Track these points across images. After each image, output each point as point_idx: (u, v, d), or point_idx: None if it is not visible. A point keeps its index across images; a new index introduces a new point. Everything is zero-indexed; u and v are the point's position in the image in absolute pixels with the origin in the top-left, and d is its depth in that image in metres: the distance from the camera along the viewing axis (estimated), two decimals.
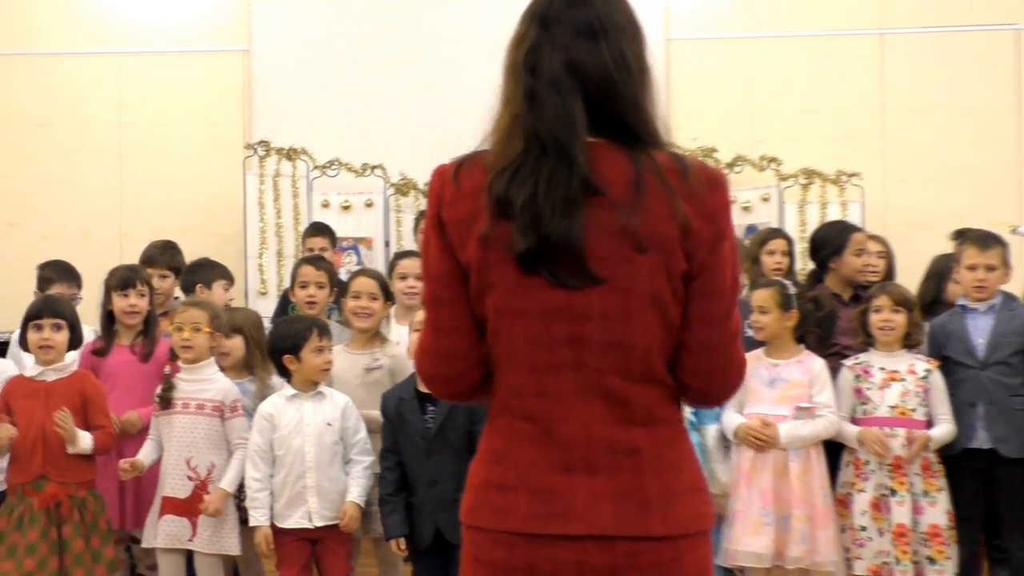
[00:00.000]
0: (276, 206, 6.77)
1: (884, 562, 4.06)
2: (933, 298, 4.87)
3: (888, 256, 5.24)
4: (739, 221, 6.44)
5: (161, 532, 3.99)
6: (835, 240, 4.90)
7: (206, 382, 4.07)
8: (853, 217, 6.41)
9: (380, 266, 6.39)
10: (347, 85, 7.05)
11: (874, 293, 4.33)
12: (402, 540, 3.85)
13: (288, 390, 4.00)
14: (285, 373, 4.01)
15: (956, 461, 4.20)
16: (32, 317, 4.05)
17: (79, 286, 5.02)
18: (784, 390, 4.12)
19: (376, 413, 3.99)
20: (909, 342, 4.26)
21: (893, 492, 4.10)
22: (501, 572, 1.75)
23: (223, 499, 3.96)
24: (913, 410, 4.16)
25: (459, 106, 6.62)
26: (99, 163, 7.15)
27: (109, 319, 4.43)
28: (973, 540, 4.31)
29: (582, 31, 1.75)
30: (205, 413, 4.03)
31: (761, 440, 4.04)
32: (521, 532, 1.74)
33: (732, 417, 4.15)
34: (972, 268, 4.31)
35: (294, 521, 3.90)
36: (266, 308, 5.98)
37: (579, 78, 1.73)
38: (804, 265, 6.08)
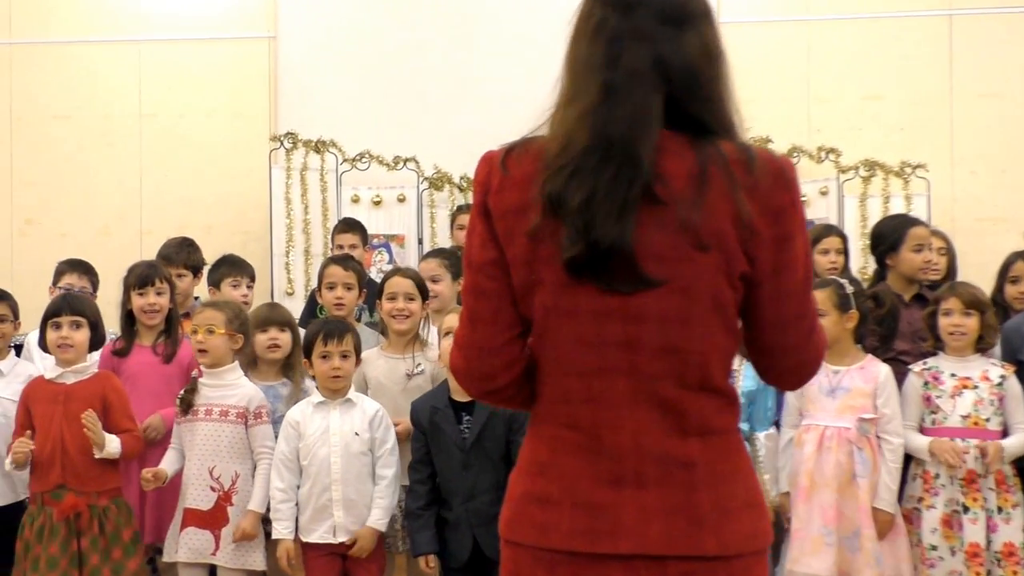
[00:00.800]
0: (303, 201, 6.79)
1: None
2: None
3: (950, 253, 5.16)
4: None
5: (183, 545, 4.00)
6: (891, 235, 4.82)
7: (229, 387, 4.08)
8: (919, 212, 6.33)
9: (413, 264, 6.38)
10: (379, 73, 7.06)
11: (943, 295, 4.24)
12: (432, 557, 3.84)
13: (316, 396, 4.01)
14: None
15: None
16: (51, 315, 4.09)
17: (94, 281, 5.07)
18: (846, 400, 4.05)
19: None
20: (982, 345, 4.19)
21: (966, 509, 4.03)
22: None
23: (255, 523, 3.96)
24: (987, 419, 4.09)
25: (499, 94, 6.63)
26: (118, 157, 7.20)
27: (129, 319, 4.46)
28: None
29: (668, 17, 1.72)
30: (229, 420, 4.03)
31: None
32: (564, 550, 1.72)
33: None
34: None
35: (319, 535, 3.90)
36: (294, 309, 5.99)
37: (664, 73, 1.70)
38: (866, 263, 6.02)
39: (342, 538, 3.89)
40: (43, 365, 4.33)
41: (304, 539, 3.92)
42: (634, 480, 1.70)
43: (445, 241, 6.51)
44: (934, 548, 4.04)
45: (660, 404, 1.71)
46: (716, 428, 1.74)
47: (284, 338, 4.29)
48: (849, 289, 4.12)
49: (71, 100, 7.24)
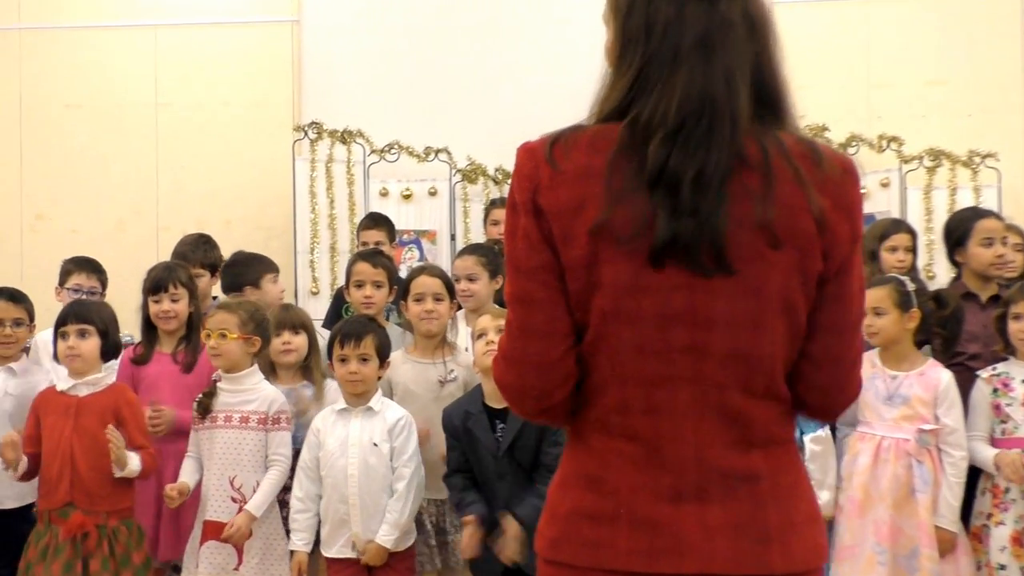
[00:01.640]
0: (329, 195, 6.82)
1: None
2: None
3: None
4: None
5: (203, 561, 4.01)
6: (958, 229, 4.78)
7: (248, 392, 4.09)
8: (988, 204, 6.28)
9: (445, 262, 6.40)
10: (408, 58, 7.07)
11: (1012, 296, 4.20)
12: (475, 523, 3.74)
13: (340, 403, 4.03)
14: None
15: None
16: (58, 324, 4.11)
17: (103, 280, 5.08)
18: (905, 409, 4.01)
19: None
20: None
21: None
22: None
23: (245, 525, 3.96)
24: None
25: (536, 80, 6.64)
26: (133, 148, 7.26)
27: (149, 324, 4.49)
28: None
29: None
30: (249, 427, 4.05)
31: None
32: (622, 571, 1.70)
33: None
34: None
35: (337, 550, 3.92)
36: (318, 309, 6.03)
37: (752, 27, 1.72)
38: (931, 260, 5.98)
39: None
40: (57, 375, 4.35)
41: (325, 553, 3.95)
42: (696, 495, 1.70)
43: (479, 237, 6.51)
44: (1003, 567, 4.01)
45: (725, 414, 1.71)
46: (778, 438, 1.75)
47: (298, 341, 4.31)
48: (910, 287, 4.09)
49: (83, 88, 7.31)
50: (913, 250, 5.13)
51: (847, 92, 6.83)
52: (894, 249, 5.05)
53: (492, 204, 6.40)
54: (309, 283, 6.77)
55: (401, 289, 4.48)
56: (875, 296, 4.06)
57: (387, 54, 7.10)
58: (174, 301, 4.45)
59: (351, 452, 3.92)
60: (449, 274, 4.65)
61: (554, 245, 1.71)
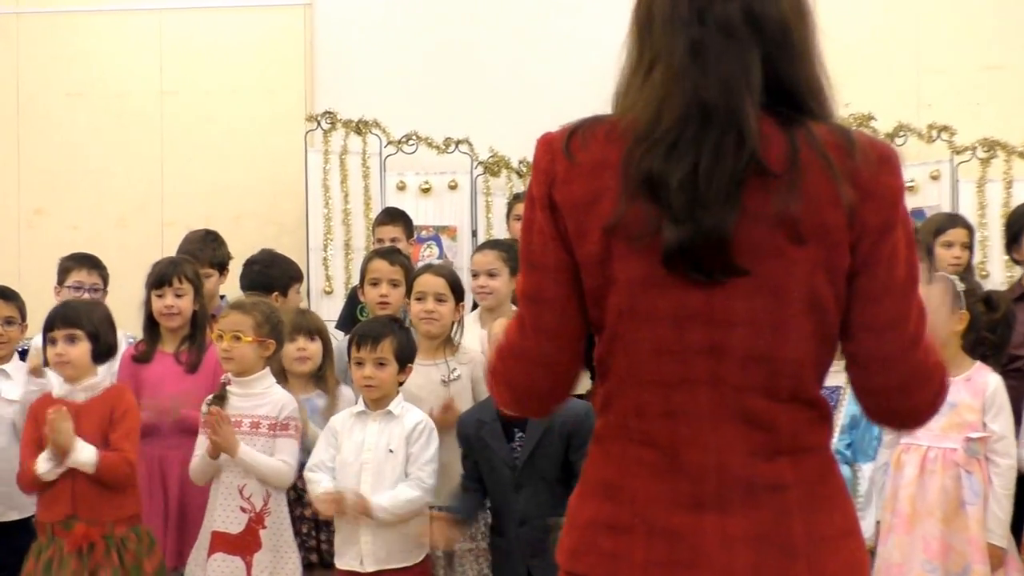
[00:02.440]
0: (343, 189, 6.84)
1: None
2: None
3: None
4: None
5: (211, 573, 4.04)
6: (1014, 225, 4.78)
7: (260, 396, 4.13)
8: None
9: (465, 260, 6.40)
10: (427, 45, 7.09)
11: None
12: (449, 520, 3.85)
13: (359, 405, 4.05)
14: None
15: None
16: (46, 328, 4.10)
17: (104, 276, 5.09)
18: (952, 416, 3.99)
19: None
20: None
21: None
22: None
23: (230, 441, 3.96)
24: None
25: (562, 68, 6.64)
26: (137, 140, 7.26)
27: (151, 321, 4.52)
28: None
29: None
30: (260, 433, 4.08)
31: None
32: None
33: None
34: None
35: (346, 562, 3.94)
36: (331, 310, 6.05)
37: (757, 28, 1.70)
38: (984, 258, 5.97)
39: (370, 567, 3.90)
40: (56, 380, 4.34)
41: (337, 564, 3.98)
42: (716, 504, 1.71)
43: (501, 233, 6.51)
44: None
45: (747, 418, 1.71)
46: (808, 445, 1.75)
47: (313, 348, 4.35)
48: (960, 287, 4.08)
49: (84, 76, 7.32)
50: (970, 247, 5.12)
51: (895, 78, 6.80)
52: (949, 245, 5.04)
53: (515, 198, 6.40)
54: (322, 282, 6.78)
55: (407, 289, 4.51)
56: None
57: (405, 39, 7.11)
58: (178, 296, 4.47)
59: (365, 457, 3.95)
60: (466, 270, 4.66)
61: (569, 242, 1.75)
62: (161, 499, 4.27)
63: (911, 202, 6.47)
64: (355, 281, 5.75)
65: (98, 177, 7.26)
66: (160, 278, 4.47)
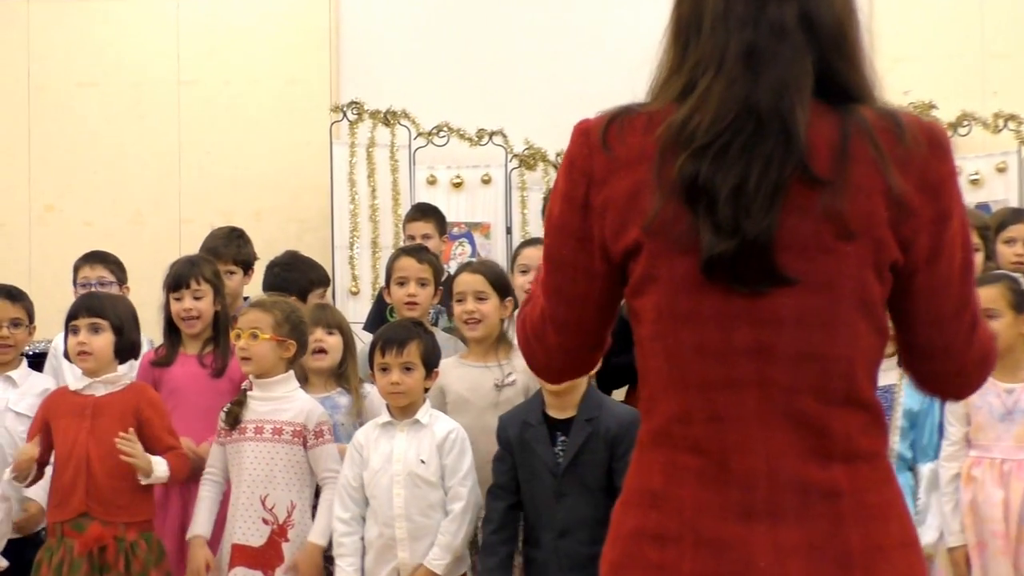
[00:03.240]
0: (370, 184, 6.86)
1: None
2: None
3: None
4: (965, 198, 6.30)
5: None
6: None
7: (282, 401, 4.13)
8: None
9: (500, 257, 6.41)
10: (459, 31, 7.10)
11: None
12: None
13: (384, 416, 4.05)
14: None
15: None
16: (69, 318, 4.15)
17: (113, 270, 5.10)
18: None
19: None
20: None
21: None
22: None
23: (314, 559, 4.00)
24: None
25: (601, 56, 6.63)
26: (153, 132, 7.30)
27: (171, 324, 4.54)
28: None
29: None
30: (283, 440, 4.08)
31: None
32: None
33: None
34: None
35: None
36: (358, 311, 6.07)
37: (812, 31, 1.73)
38: None
39: None
40: (73, 375, 4.41)
41: None
42: (767, 513, 1.71)
43: (537, 230, 6.50)
44: None
45: (797, 422, 1.72)
46: (863, 451, 1.75)
47: (332, 342, 4.35)
48: None
49: (98, 65, 7.36)
50: None
51: (958, 64, 6.77)
52: (1012, 241, 5.02)
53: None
54: (348, 282, 6.79)
55: (446, 291, 4.50)
56: (987, 296, 4.00)
57: (435, 24, 7.12)
58: (197, 299, 4.49)
59: (395, 470, 3.94)
60: (508, 267, 4.64)
61: (603, 243, 1.79)
62: (177, 508, 4.29)
63: (976, 196, 6.45)
64: (383, 281, 5.76)
65: (112, 171, 7.30)
66: (178, 279, 4.49)
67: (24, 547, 4.42)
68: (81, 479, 4.00)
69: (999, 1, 6.89)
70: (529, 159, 6.87)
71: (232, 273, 5.08)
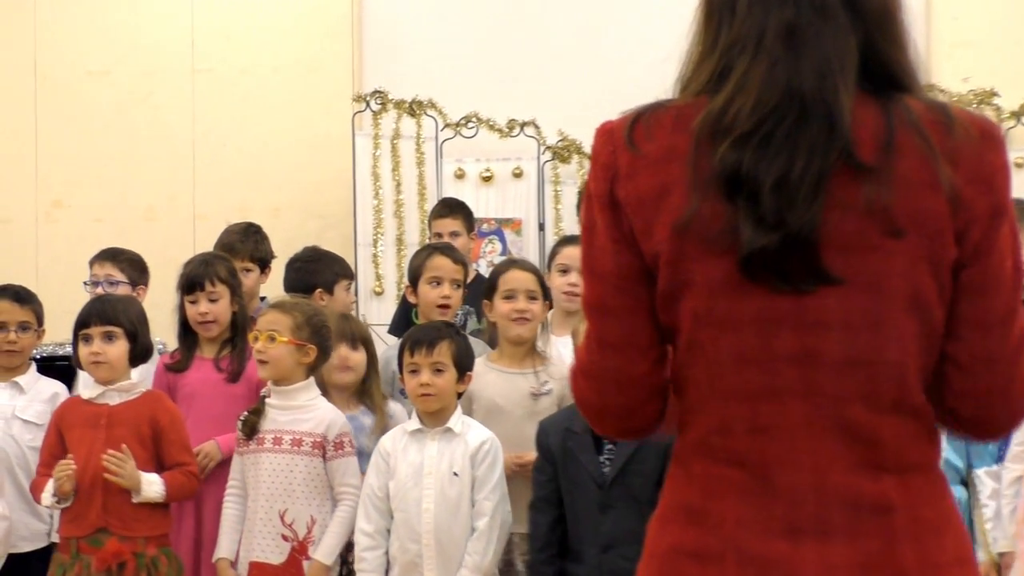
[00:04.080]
0: (395, 177, 6.86)
1: None
2: None
3: None
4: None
5: None
6: None
7: (302, 410, 4.11)
8: None
9: (532, 256, 6.41)
10: (488, 17, 7.11)
11: None
12: None
13: (413, 422, 4.03)
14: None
15: None
16: (79, 326, 4.15)
17: (122, 268, 5.07)
18: None
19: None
20: None
21: None
22: None
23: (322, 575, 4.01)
24: None
25: (635, 43, 6.61)
26: (166, 123, 7.34)
27: (186, 327, 4.54)
28: None
29: None
30: (303, 452, 4.06)
31: None
32: None
33: None
34: None
35: None
36: (382, 312, 6.06)
37: (856, 10, 1.73)
38: None
39: None
40: (85, 380, 4.41)
41: None
42: (815, 529, 1.70)
43: (572, 226, 6.51)
44: None
45: (846, 432, 1.70)
46: (916, 462, 1.74)
47: (357, 358, 4.33)
48: None
49: (108, 53, 7.39)
50: None
51: (1021, 50, 6.73)
52: None
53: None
54: (372, 281, 6.80)
55: (487, 287, 4.48)
56: None
57: (463, 10, 7.13)
58: (212, 301, 4.47)
59: (426, 483, 3.91)
60: (545, 267, 4.64)
61: (636, 244, 1.76)
62: (193, 523, 4.29)
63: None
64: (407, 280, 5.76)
65: (123, 165, 7.33)
66: (192, 281, 4.48)
67: (28, 561, 4.44)
68: (98, 492, 4.00)
69: None
70: (563, 151, 6.86)
71: (248, 271, 5.06)
